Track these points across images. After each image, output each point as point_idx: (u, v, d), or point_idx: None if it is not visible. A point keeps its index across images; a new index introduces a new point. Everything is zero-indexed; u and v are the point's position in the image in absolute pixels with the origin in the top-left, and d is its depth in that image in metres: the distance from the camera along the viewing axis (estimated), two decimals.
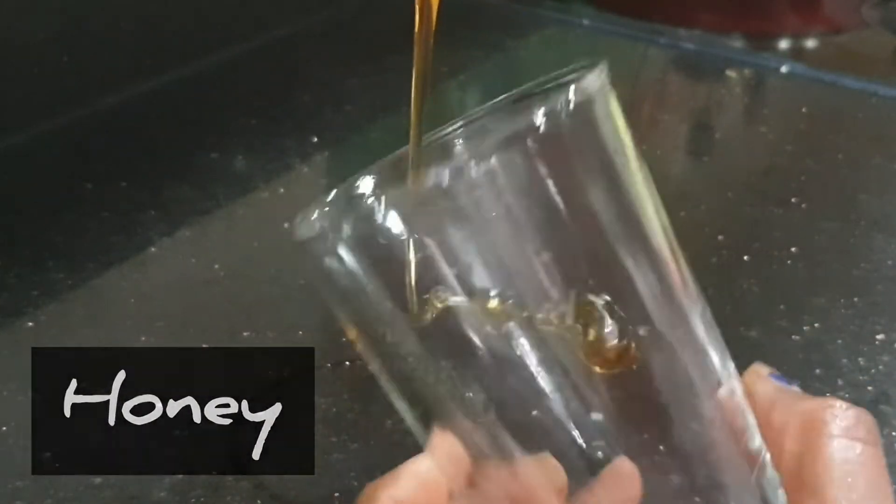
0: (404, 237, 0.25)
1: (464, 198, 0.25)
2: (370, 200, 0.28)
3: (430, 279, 0.25)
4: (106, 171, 0.71)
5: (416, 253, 0.25)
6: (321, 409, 0.51)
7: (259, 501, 0.46)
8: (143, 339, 0.56)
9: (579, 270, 0.26)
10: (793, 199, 0.71)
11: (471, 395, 0.26)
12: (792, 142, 0.81)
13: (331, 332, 0.59)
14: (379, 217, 0.25)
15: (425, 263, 0.25)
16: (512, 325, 0.25)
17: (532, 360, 0.26)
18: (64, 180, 0.71)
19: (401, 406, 0.28)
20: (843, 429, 0.27)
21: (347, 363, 0.54)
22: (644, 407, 0.26)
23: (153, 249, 0.64)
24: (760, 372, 0.30)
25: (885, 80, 0.89)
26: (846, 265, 0.65)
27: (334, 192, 0.29)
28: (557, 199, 0.25)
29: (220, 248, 0.65)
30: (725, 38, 0.99)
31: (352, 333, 0.28)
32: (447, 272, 0.25)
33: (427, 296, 0.26)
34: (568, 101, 0.25)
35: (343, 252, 0.26)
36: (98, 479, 0.47)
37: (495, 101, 0.30)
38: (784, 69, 0.91)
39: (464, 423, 0.27)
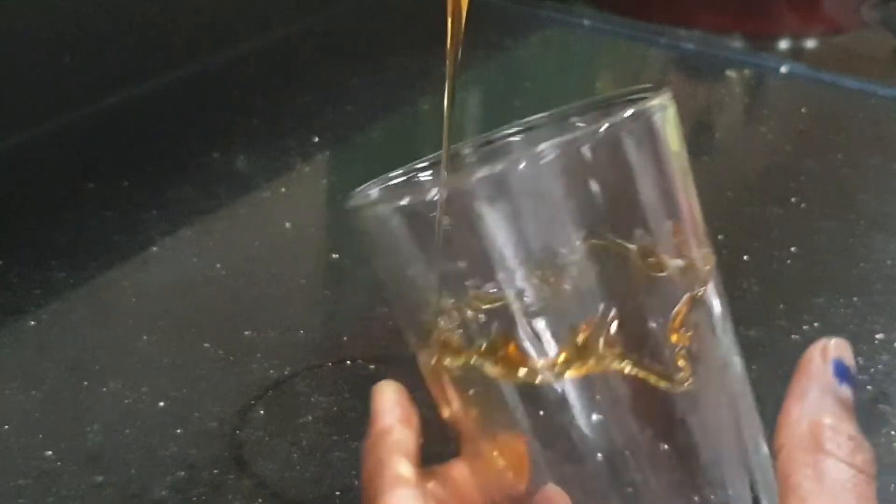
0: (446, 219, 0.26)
1: (515, 187, 0.25)
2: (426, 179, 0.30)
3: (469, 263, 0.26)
4: (107, 171, 0.71)
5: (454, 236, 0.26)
6: (322, 408, 0.51)
7: (260, 500, 0.46)
8: (145, 337, 0.56)
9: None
10: (793, 199, 0.71)
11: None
12: (792, 142, 0.81)
13: (332, 331, 0.59)
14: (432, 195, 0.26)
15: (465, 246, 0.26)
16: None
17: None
18: (65, 180, 0.71)
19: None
20: (840, 453, 0.27)
21: (348, 362, 0.54)
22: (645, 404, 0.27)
23: (155, 249, 0.64)
24: (827, 351, 0.28)
25: (885, 80, 0.89)
26: (846, 265, 0.65)
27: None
28: (605, 197, 0.26)
29: (221, 248, 0.65)
30: (725, 38, 0.99)
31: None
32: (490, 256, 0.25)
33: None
34: (629, 115, 0.26)
35: (395, 219, 0.27)
36: (100, 478, 0.47)
37: (558, 109, 0.32)
38: (784, 69, 0.92)
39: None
